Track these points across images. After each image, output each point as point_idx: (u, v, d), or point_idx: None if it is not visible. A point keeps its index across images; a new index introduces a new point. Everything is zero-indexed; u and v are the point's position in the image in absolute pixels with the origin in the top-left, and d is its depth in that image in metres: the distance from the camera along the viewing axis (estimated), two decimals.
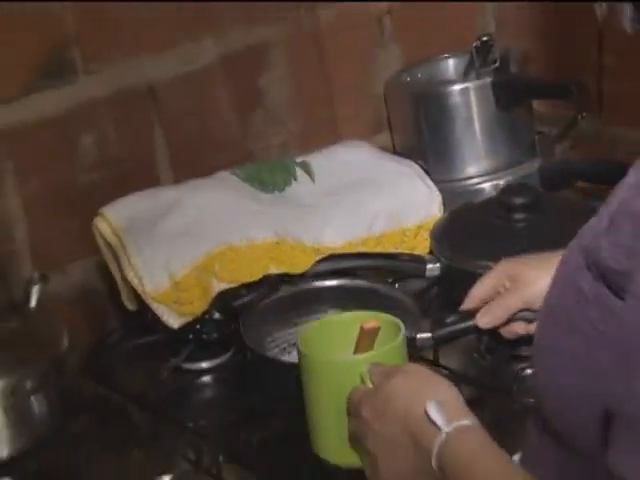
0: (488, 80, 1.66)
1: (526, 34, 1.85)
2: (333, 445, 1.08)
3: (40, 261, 1.47)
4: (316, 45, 1.72)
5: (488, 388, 1.25)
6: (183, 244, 1.40)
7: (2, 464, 1.25)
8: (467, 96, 1.66)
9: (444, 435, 0.88)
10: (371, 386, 1.00)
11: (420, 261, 1.45)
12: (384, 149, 1.71)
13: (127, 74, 1.53)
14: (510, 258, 1.21)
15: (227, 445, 1.25)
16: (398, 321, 1.11)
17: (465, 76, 1.73)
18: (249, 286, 1.42)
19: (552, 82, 1.71)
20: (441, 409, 0.89)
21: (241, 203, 1.47)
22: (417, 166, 1.58)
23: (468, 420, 0.89)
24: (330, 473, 1.11)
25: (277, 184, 1.52)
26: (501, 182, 1.62)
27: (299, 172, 1.55)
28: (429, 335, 1.21)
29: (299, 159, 1.58)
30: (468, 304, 1.20)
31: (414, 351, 1.20)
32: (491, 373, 1.30)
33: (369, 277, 1.45)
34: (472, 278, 1.22)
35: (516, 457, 0.92)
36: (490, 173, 1.66)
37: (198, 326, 1.41)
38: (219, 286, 1.39)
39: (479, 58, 1.68)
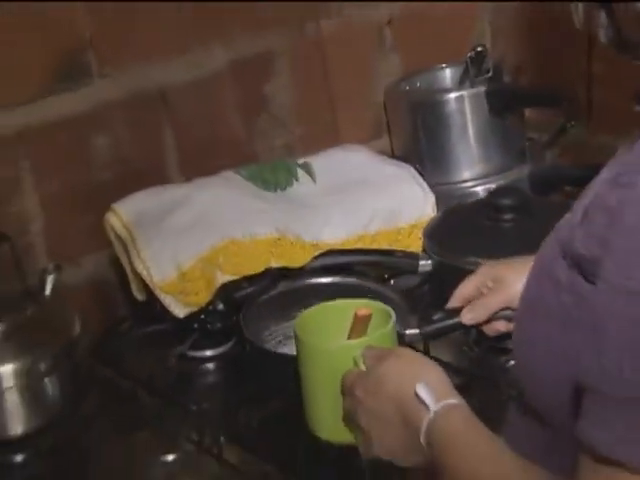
0: (482, 89, 1.67)
1: (520, 46, 1.86)
2: (328, 424, 1.10)
3: (55, 254, 1.48)
4: (319, 54, 1.72)
5: (476, 377, 1.27)
6: (189, 238, 1.41)
7: (17, 441, 1.28)
8: (462, 104, 1.67)
9: (432, 413, 0.91)
10: (364, 369, 1.03)
11: (413, 258, 1.46)
12: (383, 153, 1.72)
13: (140, 78, 1.54)
14: (494, 260, 1.23)
15: (228, 427, 1.27)
16: (389, 309, 1.13)
17: (460, 85, 1.74)
18: (251, 279, 1.43)
19: (542, 91, 1.72)
20: (429, 389, 0.92)
21: (244, 201, 1.48)
22: (412, 169, 1.60)
23: (455, 400, 0.92)
24: (325, 450, 1.14)
25: (279, 183, 1.53)
26: (493, 186, 1.63)
27: (300, 173, 1.56)
28: (417, 331, 1.22)
29: (301, 160, 1.59)
30: (453, 303, 1.21)
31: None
32: (478, 364, 1.32)
33: (364, 273, 1.47)
34: (461, 274, 1.24)
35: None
36: (483, 177, 1.68)
37: (203, 316, 1.43)
38: (223, 278, 1.41)
39: (473, 68, 1.69)
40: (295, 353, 1.15)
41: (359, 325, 1.10)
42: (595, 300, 0.72)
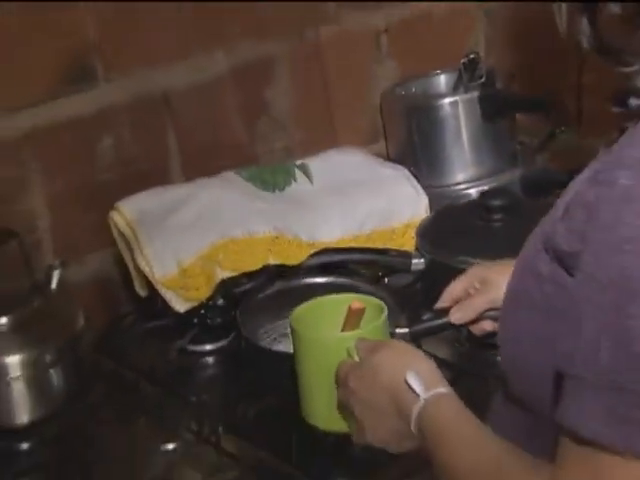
0: (475, 94, 1.68)
1: (513, 54, 1.86)
2: (323, 413, 1.12)
3: (61, 251, 1.48)
4: (318, 60, 1.73)
5: (465, 372, 1.28)
6: (190, 236, 1.42)
7: (23, 429, 1.29)
8: (456, 109, 1.68)
9: (422, 401, 0.93)
10: (357, 360, 1.04)
11: (406, 256, 1.47)
12: (379, 156, 1.73)
13: (144, 82, 1.55)
14: (485, 260, 1.25)
15: (226, 418, 1.29)
16: (382, 303, 1.15)
17: (454, 90, 1.75)
18: (250, 275, 1.45)
19: (533, 97, 1.72)
20: (420, 378, 0.94)
21: (244, 200, 1.49)
22: (407, 171, 1.61)
23: (444, 389, 0.94)
24: (318, 440, 1.16)
25: (278, 184, 1.54)
26: (486, 188, 1.63)
27: (298, 174, 1.57)
28: (406, 330, 1.22)
29: (299, 162, 1.60)
30: (442, 303, 1.22)
31: None
32: (468, 359, 1.34)
33: (358, 272, 1.48)
34: (453, 272, 1.24)
35: None
36: (476, 180, 1.69)
37: (203, 311, 1.44)
38: (222, 274, 1.42)
39: (467, 74, 1.70)
40: (290, 350, 1.16)
41: (353, 318, 1.11)
42: (574, 290, 0.74)
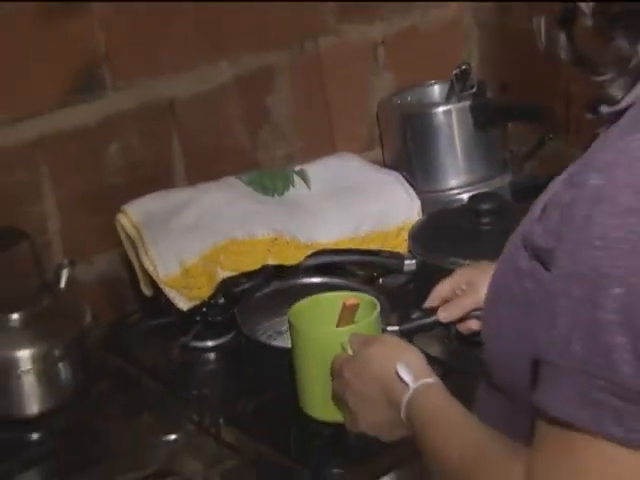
0: (467, 103, 1.69)
1: (504, 66, 1.86)
2: (319, 403, 1.14)
3: (70, 252, 1.49)
4: (317, 70, 1.74)
5: (454, 369, 1.29)
6: (193, 237, 1.44)
7: (33, 420, 1.31)
8: (449, 117, 1.70)
9: (411, 391, 0.95)
10: (351, 353, 1.06)
11: (399, 257, 1.48)
12: (376, 162, 1.74)
13: (150, 91, 1.56)
14: (473, 261, 1.26)
15: (226, 410, 1.30)
16: (375, 300, 1.17)
17: (447, 100, 1.75)
18: (249, 275, 1.46)
19: (523, 106, 1.73)
20: (409, 369, 0.97)
21: (244, 204, 1.50)
22: (400, 176, 1.62)
23: (432, 379, 0.97)
24: (316, 431, 1.18)
25: (277, 189, 1.55)
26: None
27: (296, 179, 1.58)
28: (397, 328, 1.23)
29: (297, 167, 1.61)
30: (430, 303, 1.23)
31: None
32: (457, 356, 1.35)
33: (352, 273, 1.50)
34: (443, 273, 1.25)
35: None
36: (468, 185, 1.70)
37: (204, 309, 1.45)
38: (223, 274, 1.43)
39: (459, 84, 1.71)
40: (286, 346, 1.18)
41: (347, 314, 1.14)
42: (550, 284, 0.77)
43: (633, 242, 0.71)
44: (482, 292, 1.12)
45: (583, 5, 0.80)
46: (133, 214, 1.46)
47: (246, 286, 1.45)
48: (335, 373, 1.07)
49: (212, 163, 1.63)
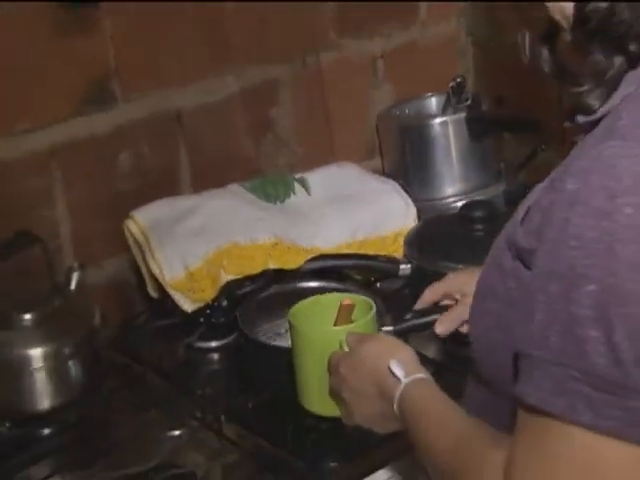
0: (463, 115, 1.71)
1: (499, 79, 1.88)
2: (317, 398, 1.16)
3: (80, 256, 1.50)
4: (319, 83, 1.76)
5: (446, 368, 1.29)
6: (197, 242, 1.45)
7: (45, 415, 1.32)
8: (446, 128, 1.72)
9: (403, 385, 0.97)
10: (347, 350, 1.08)
11: (394, 262, 1.50)
12: (375, 171, 1.76)
13: (159, 102, 1.58)
14: (465, 266, 1.28)
15: (228, 408, 1.31)
16: (370, 300, 1.19)
17: (444, 112, 1.77)
18: (251, 278, 1.47)
19: (516, 118, 1.74)
20: (401, 365, 0.99)
21: (247, 210, 1.51)
22: (397, 184, 1.64)
23: (423, 374, 0.99)
24: (313, 426, 1.20)
25: (279, 196, 1.57)
26: None
27: (297, 187, 1.59)
28: (391, 328, 1.23)
29: (298, 175, 1.62)
30: (420, 304, 1.24)
31: None
32: (449, 356, 1.36)
33: (350, 277, 1.51)
34: (437, 277, 1.25)
35: None
36: (463, 194, 1.72)
37: (208, 311, 1.46)
38: (226, 277, 1.44)
39: (454, 97, 1.73)
40: (286, 346, 1.20)
41: (344, 313, 1.16)
42: (530, 282, 0.79)
43: (607, 243, 0.74)
44: None
45: (563, 21, 0.84)
46: (141, 220, 1.48)
47: (248, 289, 1.46)
48: (332, 369, 1.09)
49: (217, 171, 1.65)
